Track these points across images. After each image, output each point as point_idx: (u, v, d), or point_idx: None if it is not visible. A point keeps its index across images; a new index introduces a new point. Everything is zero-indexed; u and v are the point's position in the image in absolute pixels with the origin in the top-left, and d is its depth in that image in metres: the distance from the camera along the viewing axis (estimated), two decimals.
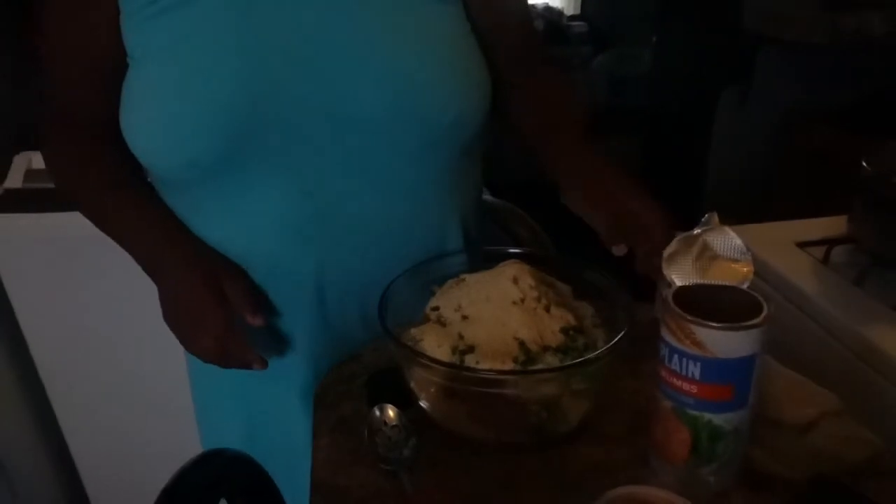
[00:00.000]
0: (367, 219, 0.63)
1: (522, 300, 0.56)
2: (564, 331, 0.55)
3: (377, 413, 0.56)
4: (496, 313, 0.55)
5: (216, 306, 0.60)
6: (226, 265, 0.64)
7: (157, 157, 0.61)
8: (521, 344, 0.53)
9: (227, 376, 0.66)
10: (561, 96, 0.71)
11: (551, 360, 0.53)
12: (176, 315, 0.64)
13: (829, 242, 0.84)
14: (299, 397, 0.69)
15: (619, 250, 0.58)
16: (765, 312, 0.46)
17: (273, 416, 0.72)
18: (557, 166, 0.63)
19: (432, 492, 0.52)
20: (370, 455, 0.54)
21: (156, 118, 0.59)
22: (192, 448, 0.59)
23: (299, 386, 0.69)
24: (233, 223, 0.63)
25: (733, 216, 0.58)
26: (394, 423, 0.55)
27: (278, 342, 0.69)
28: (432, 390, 0.54)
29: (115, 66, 0.60)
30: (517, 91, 0.68)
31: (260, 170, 0.60)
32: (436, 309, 0.58)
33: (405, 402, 0.59)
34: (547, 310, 0.56)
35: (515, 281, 0.57)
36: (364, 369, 0.65)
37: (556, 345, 0.54)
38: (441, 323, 0.57)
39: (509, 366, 0.52)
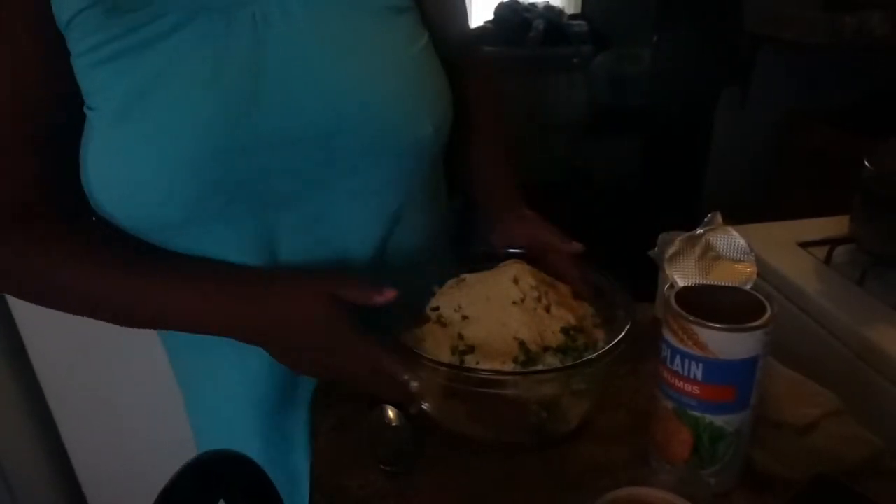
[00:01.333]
0: (339, 261, 0.59)
1: (522, 300, 0.55)
2: (565, 331, 0.55)
3: (377, 414, 0.56)
4: (496, 313, 0.55)
5: (346, 324, 0.50)
6: (312, 275, 0.54)
7: (124, 220, 0.52)
8: (521, 344, 0.53)
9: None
10: (489, 96, 0.70)
11: (551, 361, 0.53)
12: (310, 361, 0.53)
13: (831, 242, 0.83)
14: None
15: None
16: (768, 314, 0.46)
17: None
18: (474, 179, 0.69)
19: (433, 492, 0.52)
20: (370, 456, 0.54)
21: (123, 181, 0.50)
22: (191, 449, 0.59)
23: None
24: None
25: (733, 216, 0.58)
26: (394, 424, 0.55)
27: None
28: (432, 391, 0.54)
29: (50, 117, 0.50)
30: (455, 86, 0.64)
31: (227, 228, 0.54)
32: (436, 309, 0.58)
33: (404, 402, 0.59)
34: (547, 310, 0.56)
35: (516, 281, 0.57)
36: None
37: (556, 345, 0.54)
38: (441, 323, 0.56)
39: (509, 366, 0.52)
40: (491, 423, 0.54)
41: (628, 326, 0.53)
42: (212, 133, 0.49)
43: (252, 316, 0.51)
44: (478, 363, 0.52)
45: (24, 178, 0.52)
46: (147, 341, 1.20)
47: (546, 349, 0.53)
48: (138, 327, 0.54)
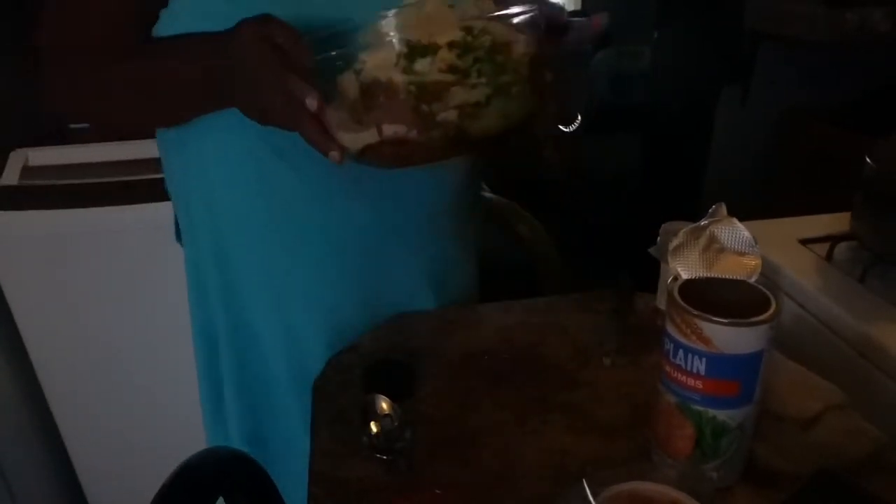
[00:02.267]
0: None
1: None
2: (466, 29, 0.49)
3: (369, 402, 0.56)
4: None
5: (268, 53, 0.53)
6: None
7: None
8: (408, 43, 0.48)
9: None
10: None
11: (444, 56, 0.48)
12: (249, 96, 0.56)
13: (833, 239, 0.83)
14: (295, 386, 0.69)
15: None
16: (773, 308, 0.45)
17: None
18: None
19: (431, 484, 0.51)
20: (365, 445, 0.54)
21: None
22: (191, 448, 0.58)
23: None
24: None
25: (734, 213, 0.57)
26: (386, 414, 0.55)
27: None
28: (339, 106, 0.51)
29: None
30: None
31: None
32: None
33: (402, 392, 0.58)
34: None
35: None
36: (362, 359, 0.64)
37: (450, 41, 0.49)
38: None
39: (395, 69, 0.48)
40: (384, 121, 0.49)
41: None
42: None
43: (217, 53, 0.56)
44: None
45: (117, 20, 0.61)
46: (148, 337, 1.20)
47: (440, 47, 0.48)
48: (157, 104, 0.63)
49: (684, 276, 0.50)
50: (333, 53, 0.50)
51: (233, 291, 0.71)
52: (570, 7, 2.77)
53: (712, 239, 0.50)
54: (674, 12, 2.09)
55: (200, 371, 0.77)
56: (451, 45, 0.48)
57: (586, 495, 0.44)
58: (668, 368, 0.48)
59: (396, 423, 0.54)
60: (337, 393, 0.61)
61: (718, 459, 0.49)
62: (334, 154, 0.51)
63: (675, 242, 0.51)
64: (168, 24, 0.62)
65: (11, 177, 1.19)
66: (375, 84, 0.48)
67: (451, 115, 0.48)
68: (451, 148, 0.51)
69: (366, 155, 0.51)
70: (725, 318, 0.44)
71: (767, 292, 0.47)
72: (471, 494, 0.51)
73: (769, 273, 0.83)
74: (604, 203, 2.33)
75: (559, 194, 2.40)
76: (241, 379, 0.73)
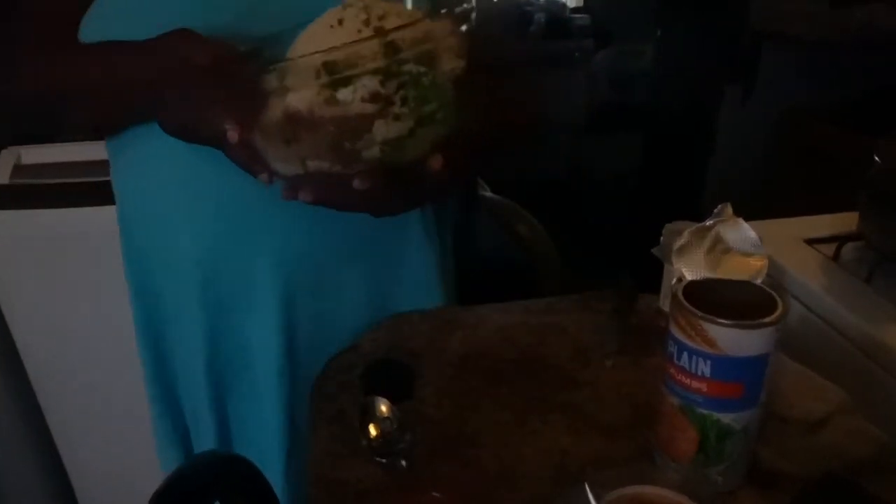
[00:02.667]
0: None
1: (341, 22, 0.47)
2: (390, 47, 0.44)
3: (368, 404, 0.55)
4: (303, 45, 0.47)
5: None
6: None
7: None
8: (326, 65, 0.44)
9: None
10: None
11: (368, 84, 0.44)
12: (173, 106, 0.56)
13: (839, 239, 0.82)
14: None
15: None
16: (780, 309, 0.44)
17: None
18: None
19: (430, 485, 0.51)
20: (362, 447, 0.53)
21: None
22: None
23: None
24: None
25: (736, 213, 0.57)
26: (385, 417, 0.54)
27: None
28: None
29: None
30: None
31: None
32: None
33: (402, 393, 0.58)
34: (382, 33, 0.45)
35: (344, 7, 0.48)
36: (362, 360, 0.64)
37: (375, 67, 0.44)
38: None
39: (311, 90, 0.44)
40: (294, 143, 0.46)
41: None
42: None
43: (137, 68, 0.56)
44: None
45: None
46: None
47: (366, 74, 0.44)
48: (100, 103, 0.61)
49: (689, 276, 0.49)
50: (267, 67, 0.45)
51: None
52: (571, 4, 2.77)
53: (717, 239, 0.49)
54: (675, 11, 2.09)
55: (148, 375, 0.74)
56: (374, 71, 0.43)
57: (588, 498, 0.43)
58: (671, 370, 0.48)
59: (396, 426, 0.54)
60: (336, 393, 0.60)
61: (722, 463, 0.48)
62: (263, 176, 0.48)
63: (679, 242, 0.51)
64: (95, 24, 0.60)
65: (3, 175, 1.18)
66: (296, 116, 0.44)
67: (374, 151, 0.45)
68: (381, 176, 0.47)
69: (299, 180, 0.48)
70: (730, 319, 0.44)
71: (773, 293, 0.46)
72: (470, 495, 0.50)
73: (775, 274, 0.83)
74: (605, 203, 2.32)
75: (559, 194, 2.40)
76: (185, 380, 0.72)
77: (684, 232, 0.51)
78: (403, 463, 0.52)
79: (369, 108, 0.43)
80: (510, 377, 0.62)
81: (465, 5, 0.46)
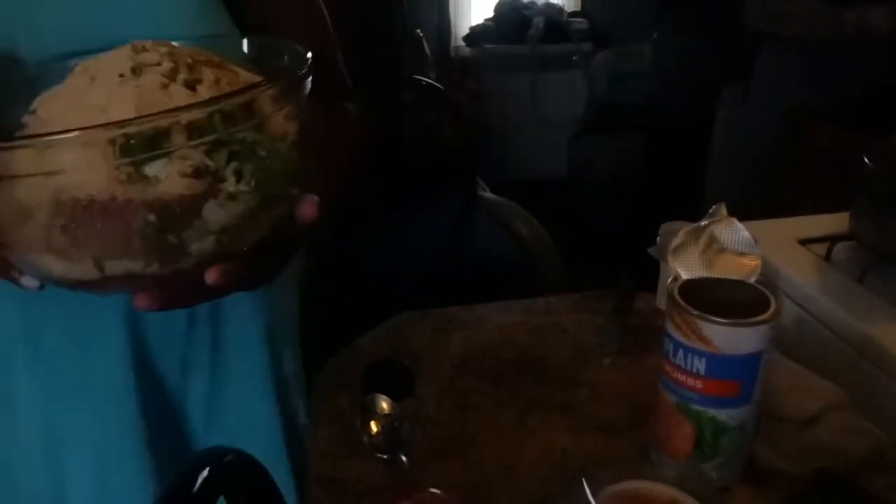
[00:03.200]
0: None
1: (135, 70, 0.35)
2: (210, 107, 0.32)
3: (369, 402, 0.56)
4: (83, 98, 0.35)
5: None
6: None
7: None
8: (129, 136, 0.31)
9: None
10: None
11: (190, 155, 0.32)
12: None
13: (831, 239, 0.83)
14: None
15: None
16: (773, 308, 0.45)
17: None
18: None
19: (432, 483, 0.51)
20: (366, 445, 0.54)
21: None
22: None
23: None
24: None
25: (734, 213, 0.57)
26: (386, 414, 0.55)
27: None
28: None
29: None
30: None
31: None
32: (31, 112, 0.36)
33: (402, 392, 0.59)
34: (192, 88, 0.35)
35: (138, 50, 0.36)
36: (362, 359, 0.64)
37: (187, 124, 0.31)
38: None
39: (105, 168, 0.31)
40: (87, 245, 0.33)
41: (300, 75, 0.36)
42: None
43: None
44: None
45: None
46: None
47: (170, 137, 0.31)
48: None
49: (684, 276, 0.50)
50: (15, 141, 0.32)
51: None
52: (569, 8, 2.78)
53: (712, 239, 0.50)
54: (674, 12, 2.10)
55: None
56: (190, 128, 0.31)
57: (586, 494, 0.44)
58: (667, 368, 0.48)
59: (396, 423, 0.54)
60: (337, 393, 0.61)
61: (718, 459, 0.49)
62: (26, 281, 0.36)
63: (675, 242, 0.51)
64: None
65: None
66: (82, 205, 0.32)
67: (207, 243, 0.34)
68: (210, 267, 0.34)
69: (86, 287, 0.35)
70: (725, 318, 0.44)
71: (767, 292, 0.47)
72: (470, 494, 0.51)
73: (769, 273, 0.83)
74: (604, 203, 2.33)
75: (559, 194, 2.40)
76: None
77: (680, 232, 0.51)
78: (404, 459, 0.52)
79: (195, 185, 0.32)
80: (510, 377, 0.63)
81: (298, 72, 0.36)
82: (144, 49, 0.36)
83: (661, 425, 0.51)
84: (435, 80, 1.71)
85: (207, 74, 0.36)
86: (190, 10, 0.47)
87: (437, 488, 0.50)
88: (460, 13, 2.74)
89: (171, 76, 0.35)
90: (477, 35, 2.67)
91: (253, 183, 0.34)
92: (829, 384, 0.54)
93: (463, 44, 2.72)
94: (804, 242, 0.87)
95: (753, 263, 0.49)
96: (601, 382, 0.62)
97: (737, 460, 0.50)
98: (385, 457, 0.53)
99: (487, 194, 1.60)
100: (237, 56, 0.42)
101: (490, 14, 2.70)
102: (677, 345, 0.47)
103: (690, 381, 0.47)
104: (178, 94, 0.34)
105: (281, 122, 0.36)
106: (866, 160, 0.79)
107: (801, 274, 0.81)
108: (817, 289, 0.78)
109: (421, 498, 0.50)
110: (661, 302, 0.67)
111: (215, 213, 0.33)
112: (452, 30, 2.72)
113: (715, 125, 1.90)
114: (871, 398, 0.66)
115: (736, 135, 1.87)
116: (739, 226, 0.50)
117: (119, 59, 0.36)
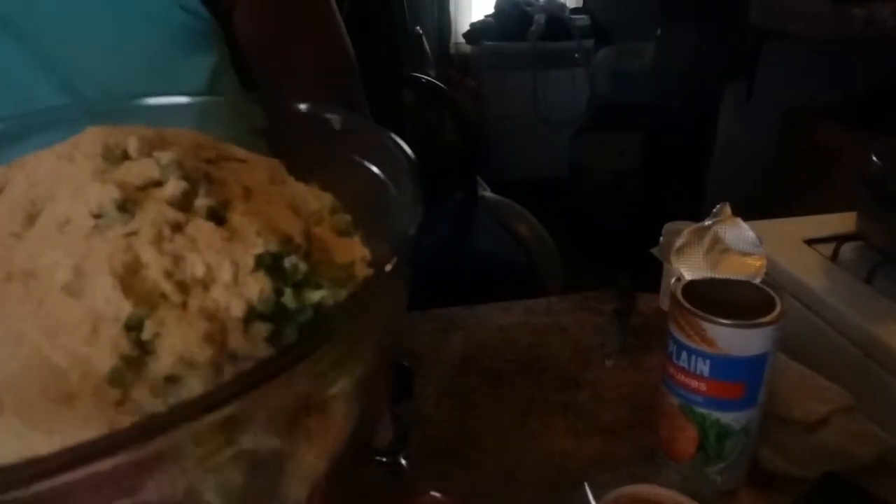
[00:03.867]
0: None
1: (97, 217, 0.20)
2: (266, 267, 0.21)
3: None
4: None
5: None
6: None
7: None
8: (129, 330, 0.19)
9: None
10: None
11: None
12: None
13: (838, 239, 0.82)
14: None
15: None
16: (778, 309, 0.44)
17: None
18: None
19: (431, 486, 0.51)
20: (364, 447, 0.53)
21: None
22: None
23: None
24: None
25: (737, 212, 0.57)
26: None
27: None
28: None
29: None
30: None
31: None
32: None
33: (402, 393, 0.58)
34: (218, 219, 0.22)
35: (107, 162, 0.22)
36: None
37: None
38: None
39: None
40: None
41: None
42: None
43: None
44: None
45: None
46: None
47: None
48: None
49: (688, 276, 0.49)
50: None
51: None
52: (571, 4, 2.76)
53: (716, 239, 0.49)
54: (677, 9, 2.08)
55: None
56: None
57: (588, 499, 0.43)
58: (671, 370, 0.47)
59: (396, 426, 0.53)
60: None
61: (722, 462, 0.48)
62: None
63: (678, 242, 0.50)
64: None
65: None
66: None
67: None
68: None
69: None
70: (729, 319, 0.44)
71: (772, 293, 0.46)
72: (470, 496, 0.50)
73: (774, 273, 0.82)
74: (605, 202, 2.32)
75: (560, 193, 2.39)
76: None
77: (683, 232, 0.50)
78: (404, 462, 0.52)
79: None
80: (510, 377, 0.62)
81: None
82: (126, 156, 0.20)
83: (664, 428, 0.50)
84: (435, 78, 1.70)
85: (234, 188, 0.23)
86: (205, 75, 0.47)
87: (437, 490, 0.50)
88: (460, 10, 2.73)
89: (186, 205, 0.20)
90: (477, 32, 2.66)
91: None
92: (835, 386, 0.53)
93: (463, 41, 2.71)
94: (810, 242, 0.86)
95: (758, 264, 0.48)
96: (602, 383, 0.61)
97: (741, 463, 0.49)
98: (384, 459, 0.52)
99: (487, 194, 1.59)
100: (242, 121, 0.34)
101: (491, 11, 2.69)
102: (681, 346, 0.46)
103: (694, 384, 0.46)
104: (204, 243, 0.20)
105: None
106: (873, 158, 0.78)
107: (807, 274, 0.80)
108: (824, 289, 0.77)
109: (420, 501, 0.49)
110: (665, 303, 0.67)
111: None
112: (452, 27, 2.71)
113: (718, 123, 1.89)
114: (879, 399, 0.65)
115: (739, 133, 1.86)
116: (744, 225, 0.49)
117: (83, 167, 0.19)
